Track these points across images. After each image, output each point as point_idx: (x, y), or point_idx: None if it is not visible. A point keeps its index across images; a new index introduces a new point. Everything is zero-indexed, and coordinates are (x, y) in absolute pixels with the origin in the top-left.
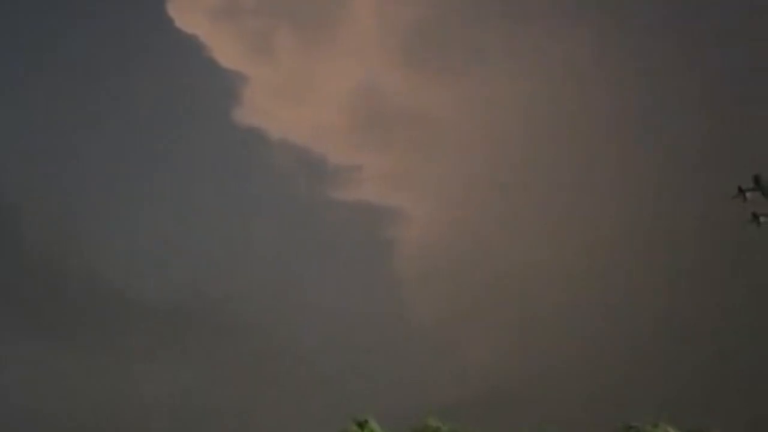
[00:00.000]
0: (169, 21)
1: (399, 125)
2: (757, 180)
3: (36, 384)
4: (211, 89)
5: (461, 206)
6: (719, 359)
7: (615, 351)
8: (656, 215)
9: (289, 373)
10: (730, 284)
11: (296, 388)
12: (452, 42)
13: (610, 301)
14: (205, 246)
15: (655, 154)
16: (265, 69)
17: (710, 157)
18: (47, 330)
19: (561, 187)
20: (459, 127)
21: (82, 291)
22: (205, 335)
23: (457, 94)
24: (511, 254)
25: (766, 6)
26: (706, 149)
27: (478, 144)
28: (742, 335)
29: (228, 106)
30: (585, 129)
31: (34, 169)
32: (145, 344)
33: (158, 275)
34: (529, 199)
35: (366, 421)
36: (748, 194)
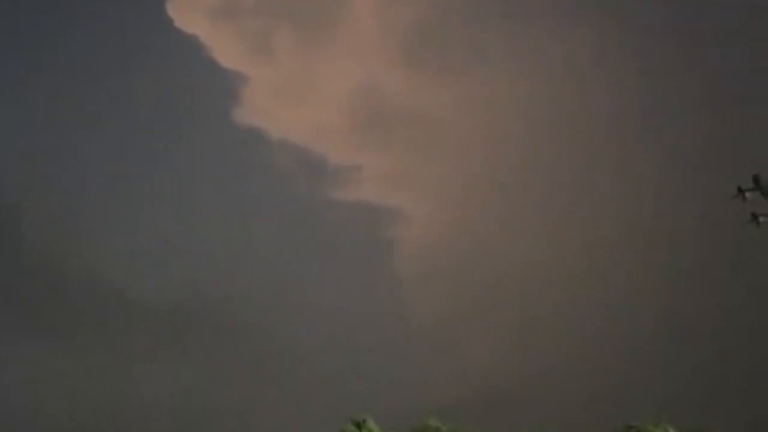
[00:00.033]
0: (169, 21)
1: (399, 125)
2: (756, 180)
3: (36, 384)
4: (211, 89)
5: (461, 206)
6: (719, 359)
7: (615, 351)
8: (656, 215)
9: (289, 373)
10: (730, 284)
11: (296, 388)
12: (452, 42)
13: (610, 301)
14: (205, 246)
15: (655, 154)
16: (265, 69)
17: (710, 157)
18: (47, 330)
19: (561, 187)
20: (459, 127)
21: (82, 291)
22: (205, 335)
23: (457, 94)
24: (511, 254)
25: (766, 6)
26: (706, 149)
27: (478, 144)
28: (742, 335)
29: (228, 106)
30: (585, 129)
31: (34, 169)
32: (145, 344)
33: (158, 275)
34: (529, 199)
35: (364, 421)
36: (747, 194)
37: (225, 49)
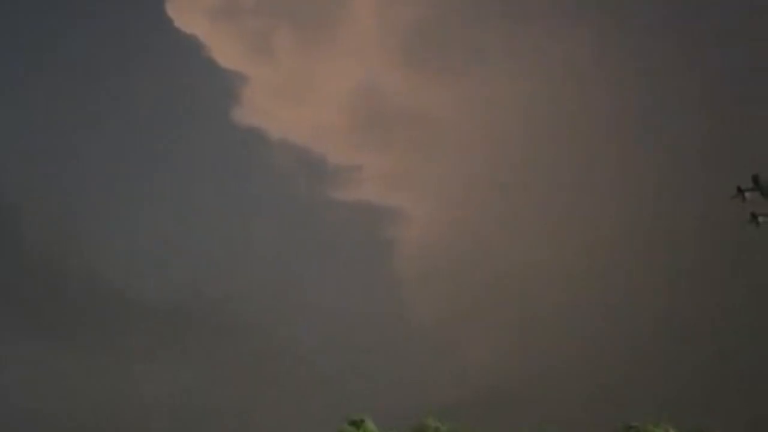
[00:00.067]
0: (169, 21)
1: (399, 125)
2: (756, 180)
3: (36, 384)
4: (211, 89)
5: (461, 206)
6: (719, 359)
7: (615, 351)
8: (656, 215)
9: (289, 373)
10: (730, 284)
11: (296, 388)
12: (452, 42)
13: (610, 301)
14: (205, 246)
15: (655, 154)
16: (265, 69)
17: (710, 157)
18: (47, 330)
19: (561, 187)
20: (459, 127)
21: (82, 291)
22: (205, 335)
23: (457, 94)
24: (511, 254)
25: (766, 6)
26: (706, 149)
27: (478, 144)
28: (742, 335)
29: (228, 106)
30: (585, 129)
31: (34, 169)
32: (145, 344)
33: (158, 275)
34: (529, 199)
35: (362, 421)
36: (747, 194)
37: (225, 49)
